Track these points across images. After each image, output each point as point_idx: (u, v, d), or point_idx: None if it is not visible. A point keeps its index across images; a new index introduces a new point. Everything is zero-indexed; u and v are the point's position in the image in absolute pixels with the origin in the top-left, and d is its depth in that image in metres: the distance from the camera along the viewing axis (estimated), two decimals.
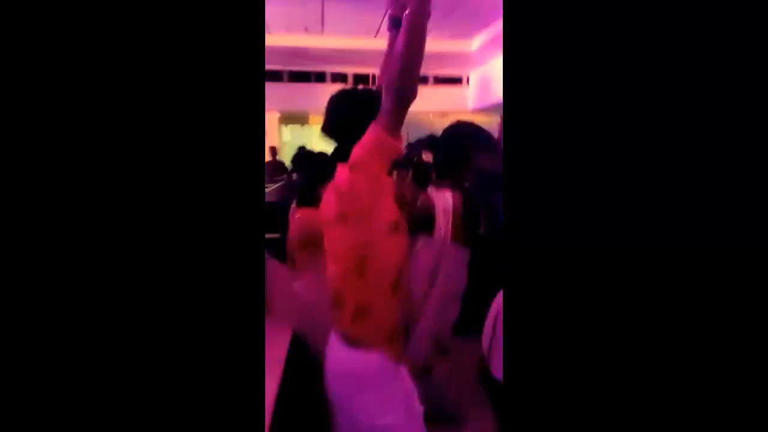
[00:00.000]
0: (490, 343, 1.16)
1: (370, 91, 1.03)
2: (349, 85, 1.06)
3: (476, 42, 4.36)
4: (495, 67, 5.01)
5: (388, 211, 0.91)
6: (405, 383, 0.99)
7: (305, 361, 1.39)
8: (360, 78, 5.21)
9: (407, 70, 0.80)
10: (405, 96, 0.82)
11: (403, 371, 1.00)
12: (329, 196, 0.98)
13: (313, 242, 1.22)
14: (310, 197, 1.60)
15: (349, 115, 0.99)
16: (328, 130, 1.03)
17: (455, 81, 6.12)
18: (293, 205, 1.74)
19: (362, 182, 0.86)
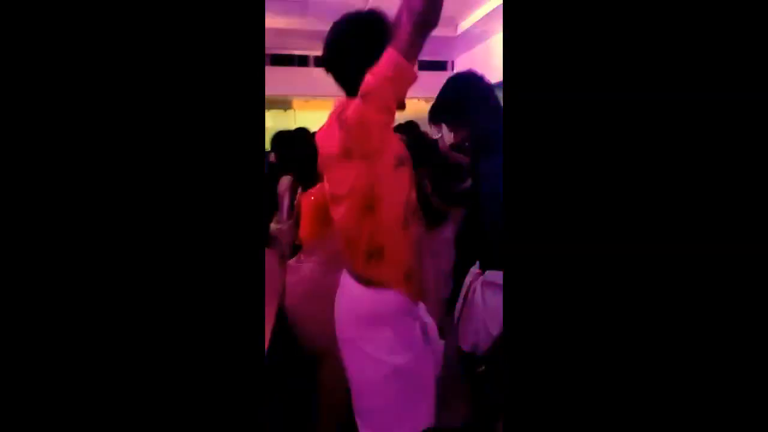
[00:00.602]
0: (460, 314, 1.17)
1: (374, 14, 0.93)
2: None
3: (462, 26, 4.31)
4: (481, 51, 4.97)
5: (395, 144, 0.87)
6: (422, 322, 0.97)
7: (288, 352, 1.39)
8: None
9: None
10: (428, 22, 0.75)
11: (421, 309, 0.98)
12: (332, 131, 0.92)
13: (325, 222, 1.19)
14: (311, 177, 1.55)
15: (355, 43, 0.89)
16: (329, 63, 0.93)
17: (440, 66, 6.07)
18: (299, 191, 1.70)
19: (372, 114, 0.80)
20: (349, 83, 0.89)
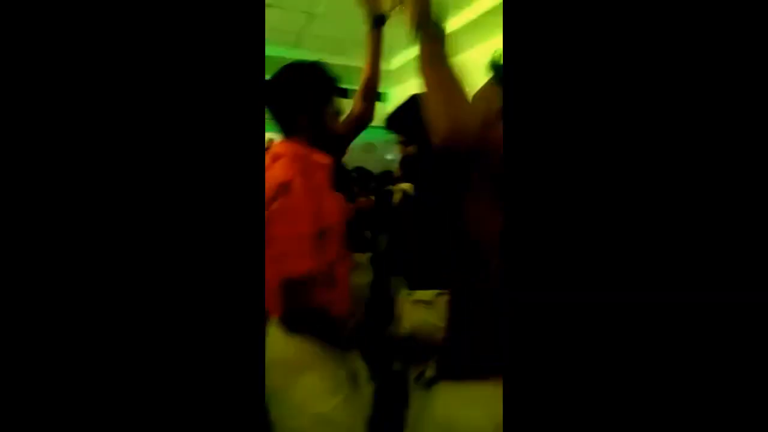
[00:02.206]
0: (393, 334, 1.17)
1: (315, 66, 1.01)
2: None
3: (396, 60, 4.21)
4: (415, 84, 4.88)
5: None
6: (348, 368, 0.97)
7: None
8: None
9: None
10: (362, 124, 0.87)
11: (349, 357, 0.99)
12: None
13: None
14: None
15: (292, 90, 0.98)
16: (269, 104, 0.99)
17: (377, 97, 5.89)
18: None
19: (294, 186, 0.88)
20: (283, 125, 0.99)
